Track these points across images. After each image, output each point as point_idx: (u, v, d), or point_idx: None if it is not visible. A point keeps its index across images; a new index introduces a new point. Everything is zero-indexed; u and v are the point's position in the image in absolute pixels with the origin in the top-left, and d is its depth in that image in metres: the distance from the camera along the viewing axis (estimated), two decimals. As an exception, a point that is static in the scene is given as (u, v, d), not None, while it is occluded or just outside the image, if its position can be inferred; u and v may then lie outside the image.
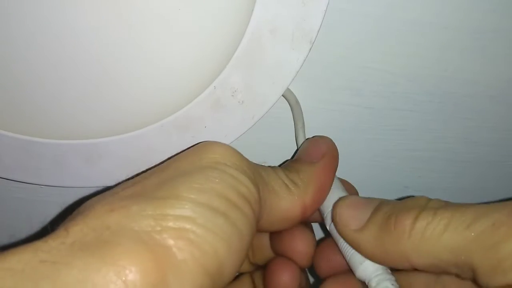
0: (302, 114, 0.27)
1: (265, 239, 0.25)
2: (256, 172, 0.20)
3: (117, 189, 0.19)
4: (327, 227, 0.23)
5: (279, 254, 0.24)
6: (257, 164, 0.22)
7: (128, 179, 0.20)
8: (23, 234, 0.32)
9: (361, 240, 0.21)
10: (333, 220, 0.22)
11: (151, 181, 0.18)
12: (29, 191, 0.31)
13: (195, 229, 0.16)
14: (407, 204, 0.20)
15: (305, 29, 0.22)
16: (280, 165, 0.24)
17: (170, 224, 0.16)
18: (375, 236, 0.20)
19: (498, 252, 0.17)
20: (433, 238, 0.18)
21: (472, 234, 0.17)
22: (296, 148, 0.27)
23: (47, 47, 0.24)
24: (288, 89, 0.26)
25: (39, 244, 0.15)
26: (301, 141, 0.26)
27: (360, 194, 0.33)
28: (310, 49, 0.23)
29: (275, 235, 0.24)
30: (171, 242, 0.16)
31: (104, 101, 0.26)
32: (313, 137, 0.25)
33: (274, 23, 0.22)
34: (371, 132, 0.30)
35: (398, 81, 0.27)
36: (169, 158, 0.21)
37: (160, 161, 0.26)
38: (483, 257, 0.17)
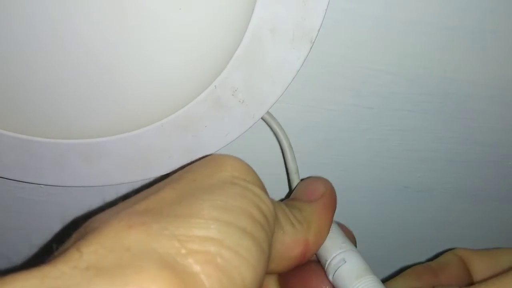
0: (288, 138, 0.27)
1: (271, 280, 0.24)
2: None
3: (129, 203, 0.17)
4: (329, 277, 0.22)
5: None
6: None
7: (137, 190, 0.18)
8: (23, 234, 0.32)
9: None
10: None
11: (166, 195, 0.17)
12: (29, 191, 0.31)
13: (223, 252, 0.15)
14: None
15: (305, 29, 0.22)
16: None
17: (196, 246, 0.14)
18: None
19: None
20: None
21: None
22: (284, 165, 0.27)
23: (47, 47, 0.24)
24: (268, 113, 0.26)
25: (46, 270, 0.13)
26: (290, 160, 0.26)
27: (360, 194, 0.33)
28: (311, 48, 0.23)
29: (287, 275, 0.23)
30: (198, 268, 0.14)
31: (104, 100, 0.26)
32: (309, 177, 0.25)
33: (275, 23, 0.22)
34: (371, 132, 0.30)
35: (398, 81, 0.28)
36: (179, 169, 0.20)
37: (160, 161, 0.26)
38: None
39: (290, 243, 0.20)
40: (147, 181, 0.27)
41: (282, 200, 0.24)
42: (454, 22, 0.25)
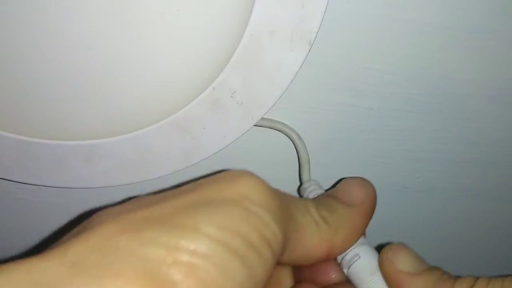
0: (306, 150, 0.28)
1: (284, 271, 0.24)
2: (285, 208, 0.19)
3: (134, 205, 0.17)
4: (344, 271, 0.22)
5: (303, 280, 0.23)
6: (286, 195, 0.20)
7: (150, 194, 0.19)
8: (23, 235, 0.33)
9: (412, 285, 0.20)
10: (383, 257, 0.21)
11: (171, 204, 0.17)
12: (29, 192, 0.31)
13: (208, 268, 0.15)
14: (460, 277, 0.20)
15: (304, 30, 0.22)
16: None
17: (183, 257, 0.14)
18: (428, 286, 0.20)
19: None
20: None
21: None
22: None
23: (47, 49, 0.24)
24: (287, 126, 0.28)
25: (34, 263, 0.14)
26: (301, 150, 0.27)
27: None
28: (309, 50, 0.23)
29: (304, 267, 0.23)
30: (179, 277, 0.14)
31: (103, 102, 0.26)
32: (354, 178, 0.24)
33: (273, 24, 0.22)
34: (371, 132, 0.30)
35: (397, 82, 0.27)
36: (197, 179, 0.19)
37: (159, 162, 0.27)
38: None
39: (313, 243, 0.20)
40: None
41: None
42: (453, 22, 0.25)
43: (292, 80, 0.24)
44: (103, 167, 0.27)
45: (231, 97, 0.24)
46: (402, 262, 0.21)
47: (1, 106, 0.26)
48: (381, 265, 0.22)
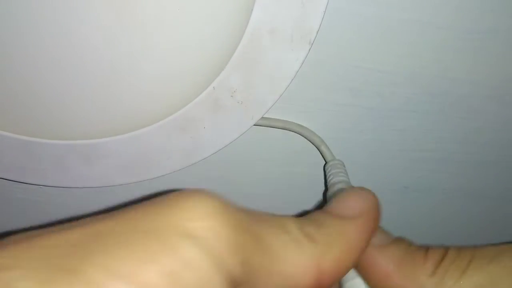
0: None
1: None
2: (246, 230, 0.14)
3: (44, 236, 0.13)
4: None
5: None
6: (254, 214, 0.15)
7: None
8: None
9: (382, 256, 0.18)
10: None
11: (101, 228, 0.13)
12: (29, 192, 0.31)
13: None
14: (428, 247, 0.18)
15: (304, 30, 0.22)
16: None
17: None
18: (398, 257, 0.18)
19: None
20: (456, 274, 0.17)
21: (497, 268, 0.16)
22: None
23: (47, 49, 0.24)
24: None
25: None
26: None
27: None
28: (309, 49, 0.23)
29: None
30: None
31: (103, 102, 0.26)
32: (352, 188, 0.20)
33: (273, 24, 0.22)
34: (371, 132, 0.30)
35: (397, 82, 0.27)
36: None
37: (159, 162, 0.26)
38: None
39: (294, 269, 0.15)
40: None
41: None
42: (453, 22, 0.25)
43: (292, 79, 0.24)
44: (103, 167, 0.27)
45: (231, 96, 0.24)
46: None
47: (2, 106, 0.26)
48: None
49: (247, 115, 0.25)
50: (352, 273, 0.19)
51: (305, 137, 0.28)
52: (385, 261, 0.18)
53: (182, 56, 0.24)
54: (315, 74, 0.27)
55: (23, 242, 0.12)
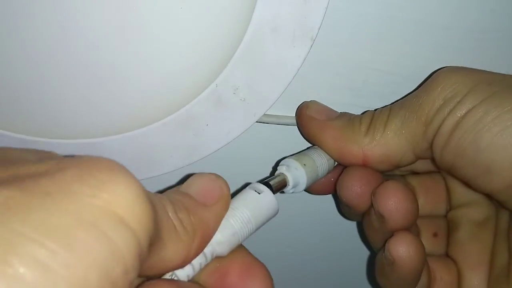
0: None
1: None
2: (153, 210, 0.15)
3: None
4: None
5: None
6: (154, 195, 0.16)
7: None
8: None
9: (331, 127, 0.25)
10: (303, 114, 0.26)
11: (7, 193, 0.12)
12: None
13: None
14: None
15: (306, 27, 0.23)
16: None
17: None
18: (341, 125, 0.24)
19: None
20: (381, 128, 0.24)
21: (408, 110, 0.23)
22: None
23: (48, 47, 0.24)
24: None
25: None
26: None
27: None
28: (311, 46, 0.23)
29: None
30: None
31: (105, 100, 0.26)
32: (205, 174, 0.20)
33: (276, 21, 0.23)
34: (371, 133, 0.30)
35: (398, 81, 0.28)
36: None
37: (162, 160, 0.26)
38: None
39: (171, 255, 0.16)
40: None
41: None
42: (454, 22, 0.26)
43: (294, 76, 0.24)
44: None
45: (234, 93, 0.24)
46: (319, 114, 0.26)
47: (2, 105, 0.26)
48: (302, 121, 0.26)
49: (250, 112, 0.25)
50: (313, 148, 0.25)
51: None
52: (333, 130, 0.25)
53: (184, 54, 0.25)
54: (315, 74, 0.27)
55: None
